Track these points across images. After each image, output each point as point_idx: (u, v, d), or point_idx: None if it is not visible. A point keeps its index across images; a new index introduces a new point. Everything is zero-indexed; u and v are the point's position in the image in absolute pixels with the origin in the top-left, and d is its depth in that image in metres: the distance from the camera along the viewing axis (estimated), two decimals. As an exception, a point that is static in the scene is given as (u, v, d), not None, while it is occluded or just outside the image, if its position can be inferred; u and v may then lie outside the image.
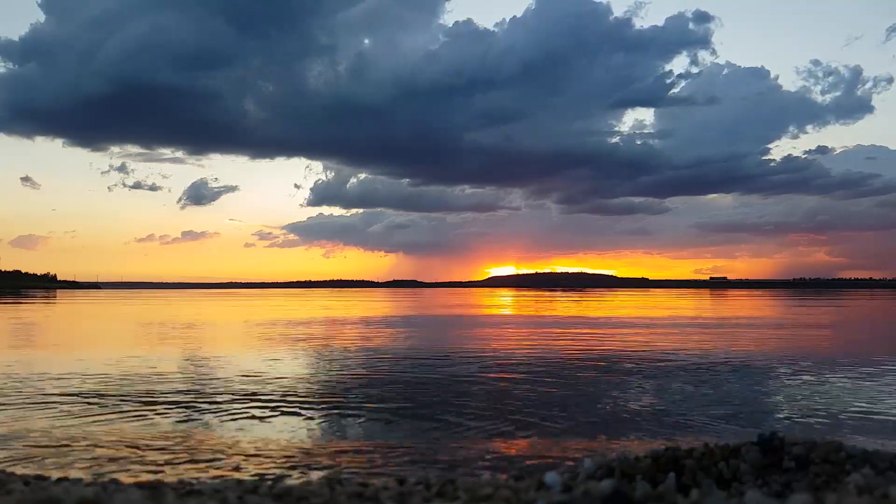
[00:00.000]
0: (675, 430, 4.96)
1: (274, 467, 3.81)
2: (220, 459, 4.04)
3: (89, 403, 5.93)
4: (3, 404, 5.90)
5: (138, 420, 5.24)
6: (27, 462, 3.96)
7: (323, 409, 5.74)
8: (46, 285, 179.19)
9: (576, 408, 5.80)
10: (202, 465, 3.88)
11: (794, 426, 5.10)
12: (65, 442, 4.47)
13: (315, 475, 3.55)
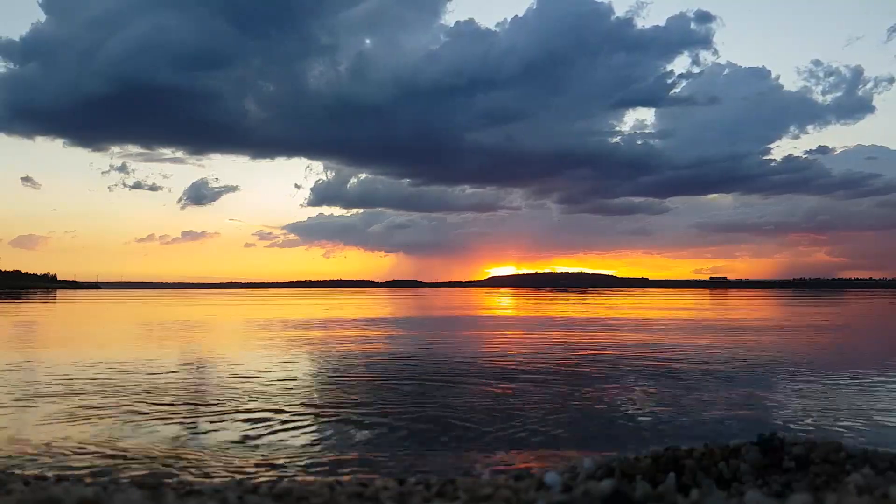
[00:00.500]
0: (675, 430, 4.95)
1: (274, 468, 3.81)
2: (219, 459, 4.04)
3: (89, 403, 5.93)
4: (3, 404, 5.90)
5: (138, 420, 5.24)
6: (27, 462, 3.96)
7: (323, 409, 5.74)
8: (46, 285, 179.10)
9: (576, 408, 5.80)
10: (202, 465, 3.88)
11: (794, 426, 5.09)
12: (64, 442, 4.47)
13: (315, 475, 3.55)
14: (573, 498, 1.59)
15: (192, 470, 3.72)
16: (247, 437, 4.68)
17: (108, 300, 46.51)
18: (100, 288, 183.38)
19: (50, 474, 2.75)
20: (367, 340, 12.73)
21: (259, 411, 5.59)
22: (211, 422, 5.19)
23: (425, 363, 9.03)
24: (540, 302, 40.43)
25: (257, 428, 4.98)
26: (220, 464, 3.92)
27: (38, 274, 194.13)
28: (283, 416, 5.38)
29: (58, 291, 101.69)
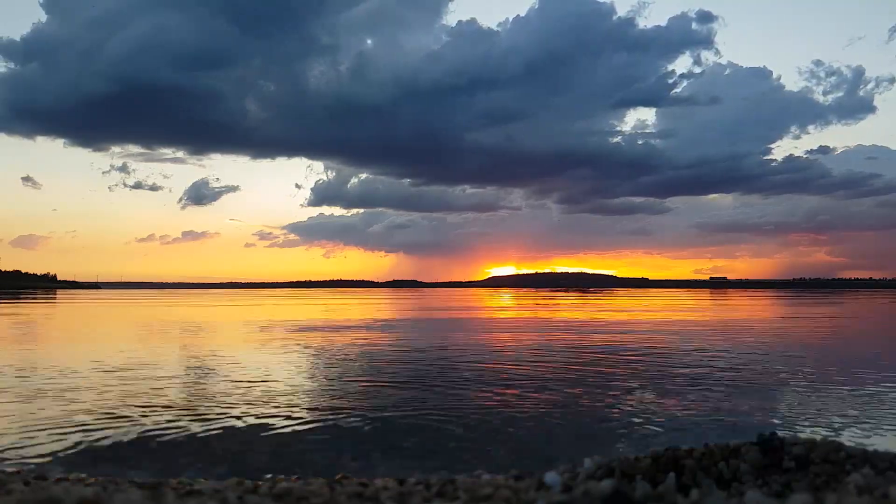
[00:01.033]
0: (675, 430, 4.95)
1: (274, 468, 3.81)
2: (219, 459, 4.04)
3: (89, 403, 5.93)
4: (3, 404, 5.90)
5: (138, 420, 5.24)
6: (27, 462, 3.96)
7: (323, 409, 5.74)
8: (46, 285, 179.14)
9: (576, 407, 5.80)
10: (202, 465, 3.88)
11: (794, 426, 5.09)
12: (65, 442, 4.47)
13: (315, 475, 3.55)
14: (573, 498, 1.59)
15: (192, 470, 3.73)
16: (247, 437, 4.68)
17: (109, 300, 46.50)
18: (100, 288, 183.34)
19: (50, 474, 2.75)
20: (367, 341, 12.73)
21: (259, 411, 5.59)
22: (211, 421, 5.18)
23: (425, 363, 9.03)
24: (540, 302, 40.43)
25: (257, 428, 4.98)
26: (220, 463, 3.92)
27: (39, 274, 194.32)
28: (283, 416, 5.38)
29: (58, 291, 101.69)
